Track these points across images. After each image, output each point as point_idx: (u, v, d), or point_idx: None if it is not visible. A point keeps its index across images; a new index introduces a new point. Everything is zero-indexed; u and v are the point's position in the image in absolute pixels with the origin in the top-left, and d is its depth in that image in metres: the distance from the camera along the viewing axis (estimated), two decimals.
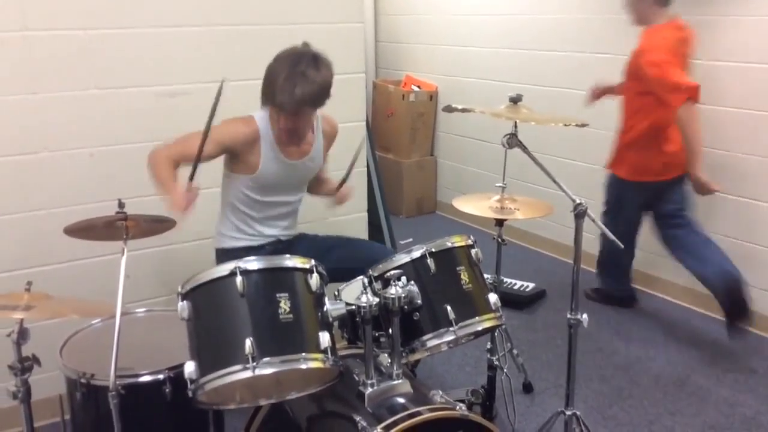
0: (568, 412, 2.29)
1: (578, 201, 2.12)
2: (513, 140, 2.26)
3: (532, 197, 2.83)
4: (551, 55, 4.42)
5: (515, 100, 2.31)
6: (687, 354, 3.37)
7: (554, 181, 2.19)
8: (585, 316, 2.20)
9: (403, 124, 5.44)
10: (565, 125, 2.41)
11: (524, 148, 2.24)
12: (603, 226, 2.23)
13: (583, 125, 2.36)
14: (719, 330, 3.57)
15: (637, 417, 2.87)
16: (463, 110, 2.49)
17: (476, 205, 2.72)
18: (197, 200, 2.21)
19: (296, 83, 2.21)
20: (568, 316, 2.20)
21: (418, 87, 5.52)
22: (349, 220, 3.35)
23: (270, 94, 2.29)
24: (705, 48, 3.52)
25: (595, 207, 4.20)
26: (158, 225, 2.11)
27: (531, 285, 4.01)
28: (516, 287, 3.99)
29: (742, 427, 2.79)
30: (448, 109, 2.54)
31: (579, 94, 4.22)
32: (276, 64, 2.29)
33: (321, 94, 2.28)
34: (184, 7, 2.77)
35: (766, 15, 3.30)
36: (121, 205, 2.01)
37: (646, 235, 4.03)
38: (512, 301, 3.86)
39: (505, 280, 4.02)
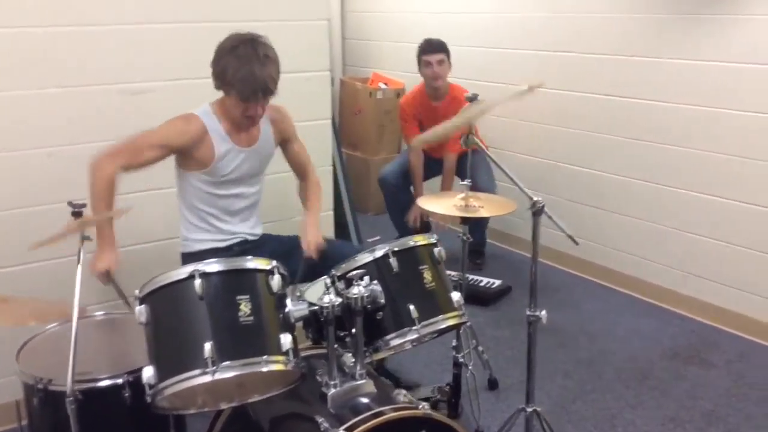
0: (529, 409, 2.31)
1: (535, 199, 2.14)
2: (470, 139, 2.27)
3: (501, 195, 2.85)
4: (515, 53, 4.45)
5: (471, 99, 2.32)
6: (648, 349, 3.43)
7: (511, 179, 2.20)
8: (544, 312, 2.22)
9: (370, 122, 5.44)
10: (519, 93, 2.35)
11: (481, 148, 2.25)
12: (560, 223, 2.24)
13: (537, 87, 2.33)
14: (680, 324, 3.65)
15: (600, 411, 2.91)
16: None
17: (441, 204, 2.72)
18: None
19: (253, 69, 2.25)
20: (527, 313, 2.23)
21: (386, 84, 5.52)
22: None
23: (229, 84, 2.30)
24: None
25: (559, 203, 4.28)
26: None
27: (497, 282, 4.04)
28: (482, 284, 4.02)
29: (702, 420, 2.85)
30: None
31: (540, 91, 4.27)
32: (230, 57, 2.29)
33: (277, 72, 2.33)
34: (147, 4, 2.73)
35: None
36: (73, 206, 1.96)
37: (609, 232, 4.10)
38: (478, 297, 3.89)
39: (471, 277, 4.05)
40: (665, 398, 3.01)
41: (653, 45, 3.67)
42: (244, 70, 2.25)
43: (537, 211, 2.14)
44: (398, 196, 4.37)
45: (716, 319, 3.64)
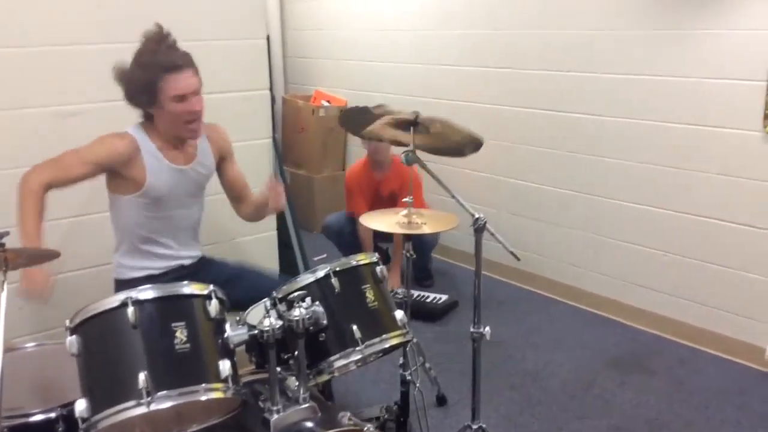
0: (475, 426, 2.31)
1: (477, 216, 2.15)
2: (412, 157, 2.28)
3: (445, 211, 2.85)
4: (455, 70, 4.50)
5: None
6: (592, 358, 3.48)
7: (453, 196, 2.21)
8: (488, 329, 2.23)
9: (314, 140, 5.42)
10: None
11: (423, 165, 2.26)
12: (502, 239, 2.26)
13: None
14: (622, 333, 3.72)
15: (547, 423, 2.94)
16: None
17: (384, 221, 2.72)
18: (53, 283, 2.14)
19: (163, 53, 2.25)
20: (471, 330, 2.23)
21: (328, 102, 5.51)
22: (258, 239, 3.29)
23: (146, 87, 2.24)
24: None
25: (501, 216, 4.33)
26: (41, 257, 1.98)
27: (443, 297, 4.05)
28: (429, 300, 4.02)
29: (646, 427, 2.90)
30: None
31: (480, 107, 4.34)
32: (136, 65, 2.27)
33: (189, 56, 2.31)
34: (80, 24, 2.66)
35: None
36: None
37: (550, 244, 4.17)
38: (425, 313, 3.89)
39: (418, 293, 4.05)
40: (609, 407, 3.05)
41: (588, 61, 3.76)
42: (155, 52, 2.25)
43: (479, 228, 2.15)
44: (344, 240, 4.30)
45: (656, 326, 3.72)
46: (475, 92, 4.39)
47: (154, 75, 2.22)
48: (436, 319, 3.90)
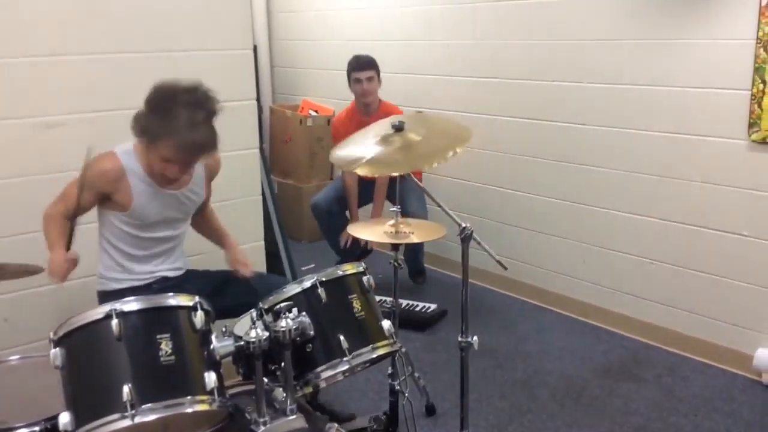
0: None
1: (464, 225, 2.15)
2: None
3: (433, 219, 2.86)
4: (441, 79, 4.52)
5: (398, 129, 2.31)
6: (581, 366, 3.48)
7: (439, 206, 2.21)
8: (475, 338, 2.23)
9: (301, 149, 5.42)
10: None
11: (411, 178, 2.26)
12: (488, 248, 2.25)
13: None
14: (611, 341, 3.73)
15: (537, 431, 2.94)
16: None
17: (371, 231, 2.72)
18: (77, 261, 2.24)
19: (195, 130, 2.11)
20: (459, 339, 2.23)
21: (316, 111, 5.52)
22: (245, 250, 3.25)
23: (158, 134, 2.15)
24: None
25: (489, 225, 4.34)
26: (24, 272, 1.98)
27: (432, 306, 4.04)
28: (417, 309, 4.02)
29: None
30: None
31: (467, 116, 4.36)
32: (170, 104, 2.12)
33: (215, 142, 2.20)
34: (62, 34, 2.64)
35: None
36: None
37: (539, 252, 4.18)
38: (414, 322, 3.88)
39: (407, 302, 4.05)
40: (599, 415, 3.05)
41: (573, 70, 3.78)
42: (180, 116, 2.11)
43: (465, 238, 2.15)
44: (332, 221, 4.35)
45: (645, 334, 3.73)
46: (461, 102, 4.41)
47: (162, 131, 2.15)
48: (425, 329, 3.89)
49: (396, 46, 4.81)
